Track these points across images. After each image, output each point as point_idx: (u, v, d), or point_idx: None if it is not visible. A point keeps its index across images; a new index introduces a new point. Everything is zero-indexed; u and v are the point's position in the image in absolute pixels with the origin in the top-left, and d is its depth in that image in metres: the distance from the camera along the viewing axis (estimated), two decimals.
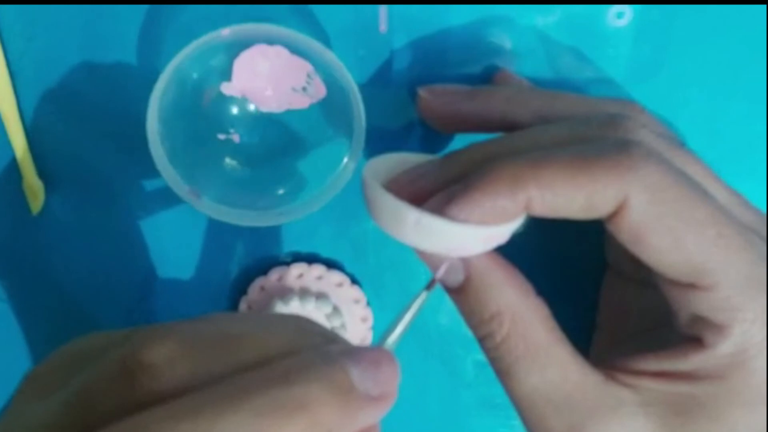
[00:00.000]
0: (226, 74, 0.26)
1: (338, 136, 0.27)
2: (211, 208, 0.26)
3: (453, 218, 0.20)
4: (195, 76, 0.26)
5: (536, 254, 0.24)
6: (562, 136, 0.21)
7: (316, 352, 0.17)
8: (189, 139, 0.26)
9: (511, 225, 0.21)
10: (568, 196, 0.19)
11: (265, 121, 0.27)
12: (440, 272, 0.22)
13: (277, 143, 0.27)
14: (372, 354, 0.18)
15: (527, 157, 0.20)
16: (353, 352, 0.17)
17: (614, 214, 0.20)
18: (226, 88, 0.26)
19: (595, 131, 0.21)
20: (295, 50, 0.25)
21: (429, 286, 0.21)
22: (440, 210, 0.20)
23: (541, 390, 0.21)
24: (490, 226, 0.20)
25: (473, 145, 0.23)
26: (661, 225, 0.19)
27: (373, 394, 0.17)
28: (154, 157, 0.25)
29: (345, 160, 0.26)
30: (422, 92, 0.25)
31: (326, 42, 0.26)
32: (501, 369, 0.22)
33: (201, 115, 0.26)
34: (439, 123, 0.25)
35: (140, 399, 0.16)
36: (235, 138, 0.27)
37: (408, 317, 0.21)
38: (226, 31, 0.24)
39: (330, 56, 0.24)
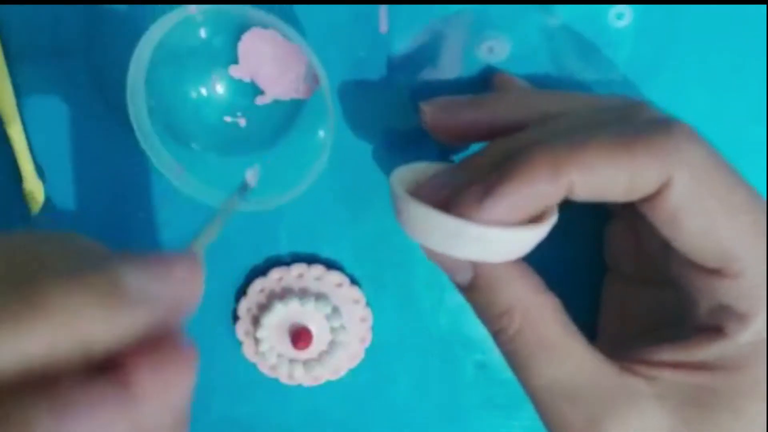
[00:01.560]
0: (230, 56, 0.26)
1: (321, 128, 0.27)
2: (193, 186, 0.26)
3: (491, 211, 0.20)
4: (192, 54, 0.25)
5: (536, 256, 0.23)
6: (595, 120, 0.21)
7: (88, 256, 0.15)
8: (178, 116, 0.27)
9: (552, 220, 0.21)
10: (611, 177, 0.19)
11: (255, 107, 0.27)
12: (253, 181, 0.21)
13: (264, 129, 0.27)
14: (159, 255, 0.16)
15: (566, 140, 0.19)
16: (133, 255, 0.15)
17: (653, 195, 0.19)
18: (235, 72, 0.26)
19: (627, 112, 0.21)
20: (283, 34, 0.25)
21: (241, 190, 0.20)
22: (480, 202, 0.20)
23: (557, 383, 0.21)
24: (527, 229, 0.20)
25: (499, 140, 0.22)
26: (699, 207, 0.19)
27: (154, 294, 0.15)
28: (137, 128, 0.25)
29: (322, 153, 0.25)
30: (425, 107, 0.24)
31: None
32: (516, 364, 0.22)
33: (194, 95, 0.27)
34: (447, 136, 0.24)
35: None
36: (227, 120, 0.27)
37: (218, 222, 0.19)
38: (193, 9, 0.23)
39: (303, 45, 0.24)
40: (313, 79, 0.26)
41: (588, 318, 0.27)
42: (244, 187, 0.21)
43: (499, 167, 0.20)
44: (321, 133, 0.27)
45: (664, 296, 0.22)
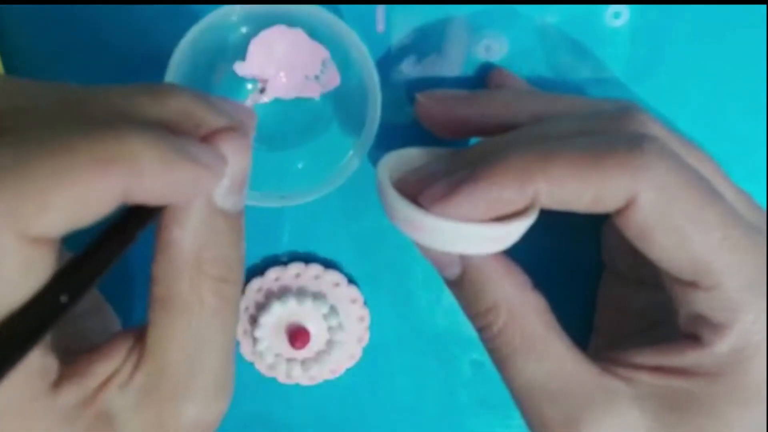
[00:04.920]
0: (242, 52, 0.26)
1: (348, 127, 0.27)
2: None
3: (454, 207, 0.20)
4: (210, 50, 0.25)
5: (533, 253, 0.24)
6: (573, 128, 0.21)
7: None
8: None
9: (528, 221, 0.21)
10: (577, 190, 0.19)
11: (275, 104, 0.27)
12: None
13: (286, 127, 0.27)
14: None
15: (537, 148, 0.20)
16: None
17: (622, 210, 0.19)
18: (240, 68, 0.26)
19: (608, 124, 0.21)
20: (317, 34, 0.25)
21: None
22: (445, 197, 0.20)
23: (537, 381, 0.21)
24: (503, 225, 0.20)
25: (483, 142, 0.23)
26: (668, 224, 0.19)
27: (202, 160, 0.17)
28: None
29: (350, 153, 0.25)
30: (420, 98, 0.24)
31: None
32: (498, 360, 0.22)
33: (212, 91, 0.26)
34: (439, 128, 0.24)
35: None
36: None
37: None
38: (242, 7, 0.24)
39: (355, 40, 0.24)
40: (327, 78, 0.26)
41: (585, 316, 0.27)
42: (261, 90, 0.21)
43: (472, 166, 0.20)
44: (346, 130, 0.27)
45: (659, 297, 0.22)
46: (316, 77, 0.26)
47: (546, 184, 0.19)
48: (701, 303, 0.20)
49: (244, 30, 0.25)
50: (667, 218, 0.19)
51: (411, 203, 0.21)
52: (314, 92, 0.26)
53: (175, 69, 0.24)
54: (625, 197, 0.19)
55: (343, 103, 0.27)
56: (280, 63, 0.26)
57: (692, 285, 0.20)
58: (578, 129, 0.21)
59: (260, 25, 0.25)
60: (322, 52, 0.25)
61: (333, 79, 0.26)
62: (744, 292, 0.19)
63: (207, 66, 0.26)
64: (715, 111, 0.26)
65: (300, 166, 0.27)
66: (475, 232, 0.20)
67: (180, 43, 0.24)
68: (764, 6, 0.25)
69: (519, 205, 0.20)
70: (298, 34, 0.25)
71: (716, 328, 0.20)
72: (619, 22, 0.25)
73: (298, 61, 0.26)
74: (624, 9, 0.25)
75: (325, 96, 0.27)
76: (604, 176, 0.19)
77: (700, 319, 0.20)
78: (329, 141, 0.27)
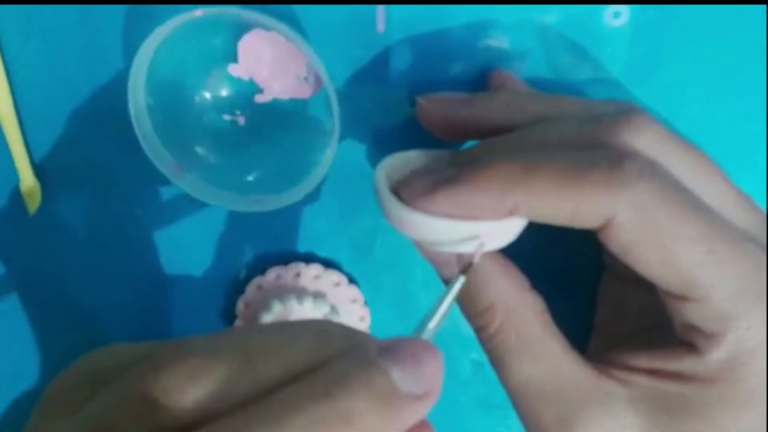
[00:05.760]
0: (229, 55, 0.26)
1: (322, 130, 0.27)
2: (192, 185, 0.26)
3: (436, 204, 0.20)
4: (192, 53, 0.26)
5: (534, 253, 0.24)
6: (568, 134, 0.21)
7: (351, 358, 0.16)
8: (177, 115, 0.27)
9: (525, 218, 0.21)
10: (556, 206, 0.20)
11: (254, 107, 0.27)
12: (476, 257, 0.21)
13: (263, 129, 0.27)
14: (411, 348, 0.16)
15: (522, 159, 0.20)
16: (390, 350, 0.16)
17: (603, 227, 0.20)
18: (234, 70, 0.26)
19: (603, 129, 0.21)
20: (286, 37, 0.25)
21: (464, 270, 0.21)
22: (426, 194, 0.20)
23: (533, 381, 0.22)
24: (499, 223, 0.20)
25: (478, 144, 0.23)
26: (649, 241, 0.19)
27: (416, 393, 0.16)
28: (138, 127, 0.25)
29: (327, 153, 0.26)
30: (421, 101, 0.24)
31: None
32: (495, 360, 0.22)
33: (193, 93, 0.27)
34: (440, 130, 0.25)
35: (163, 424, 0.15)
36: (226, 118, 0.27)
37: (446, 304, 0.20)
38: (198, 12, 0.24)
39: (307, 49, 0.24)
40: (313, 80, 0.26)
41: (584, 316, 0.27)
42: (467, 267, 0.21)
43: (460, 166, 0.21)
44: (321, 134, 0.27)
45: (658, 299, 0.22)
46: (305, 78, 0.26)
47: (526, 196, 0.20)
48: (692, 314, 0.20)
49: (223, 35, 0.26)
50: (647, 236, 0.19)
51: (404, 203, 0.21)
52: (305, 93, 0.27)
53: (147, 69, 0.24)
54: (604, 216, 0.19)
55: (320, 105, 0.27)
56: (271, 63, 0.26)
57: (682, 297, 0.20)
58: (575, 134, 0.21)
59: (239, 30, 0.26)
60: (301, 54, 0.26)
61: (317, 80, 0.26)
62: (734, 301, 0.20)
63: (191, 69, 0.26)
64: (715, 111, 0.26)
65: (274, 168, 0.28)
66: (470, 230, 0.20)
67: (144, 45, 0.24)
68: (764, 6, 0.25)
69: (499, 212, 0.20)
70: (276, 36, 0.25)
71: (710, 337, 0.20)
72: (619, 22, 0.25)
73: (286, 62, 0.26)
74: (624, 9, 0.25)
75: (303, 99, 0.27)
76: (582, 194, 0.19)
77: (694, 329, 0.20)
78: (305, 144, 0.27)
